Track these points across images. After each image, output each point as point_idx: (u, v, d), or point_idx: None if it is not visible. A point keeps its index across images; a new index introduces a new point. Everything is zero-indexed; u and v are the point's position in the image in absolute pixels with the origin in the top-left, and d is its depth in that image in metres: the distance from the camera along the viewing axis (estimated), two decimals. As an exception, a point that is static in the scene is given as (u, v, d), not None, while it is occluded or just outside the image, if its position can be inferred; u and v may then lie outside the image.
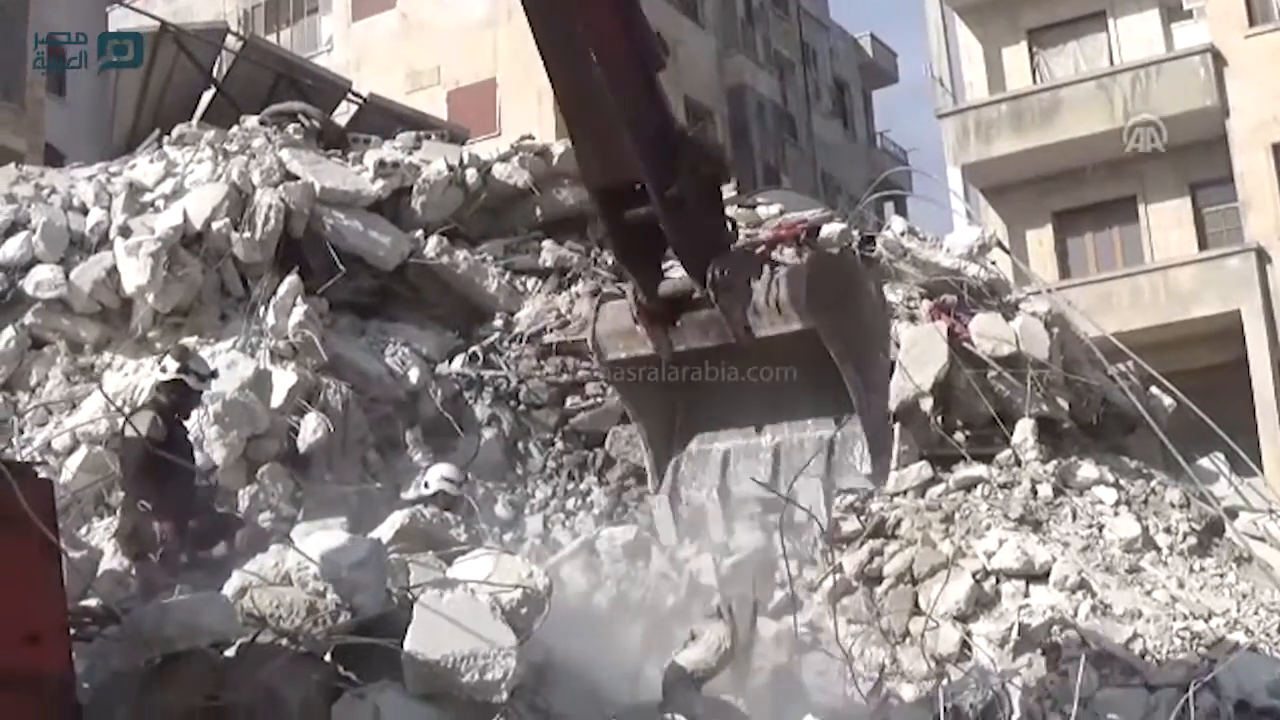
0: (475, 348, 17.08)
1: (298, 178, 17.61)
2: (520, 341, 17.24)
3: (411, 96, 35.03)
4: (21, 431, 15.80)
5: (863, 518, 15.04)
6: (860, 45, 59.19)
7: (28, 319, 16.89)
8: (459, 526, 13.59)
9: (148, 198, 17.97)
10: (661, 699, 9.50)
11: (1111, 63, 35.06)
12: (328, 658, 8.55)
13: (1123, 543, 15.78)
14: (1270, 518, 17.73)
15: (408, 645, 8.26)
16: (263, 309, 16.24)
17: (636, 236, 9.23)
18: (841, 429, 9.14)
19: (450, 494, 13.82)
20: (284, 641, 8.48)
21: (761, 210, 20.54)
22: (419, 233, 18.10)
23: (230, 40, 25.37)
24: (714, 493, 9.54)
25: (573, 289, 17.99)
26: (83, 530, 13.93)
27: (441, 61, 39.64)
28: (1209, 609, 14.78)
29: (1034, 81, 36.10)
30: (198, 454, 13.06)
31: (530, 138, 21.29)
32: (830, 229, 19.68)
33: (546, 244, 18.82)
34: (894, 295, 18.89)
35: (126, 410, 12.59)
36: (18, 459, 13.17)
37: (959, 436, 17.32)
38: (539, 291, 18.12)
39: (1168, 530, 16.45)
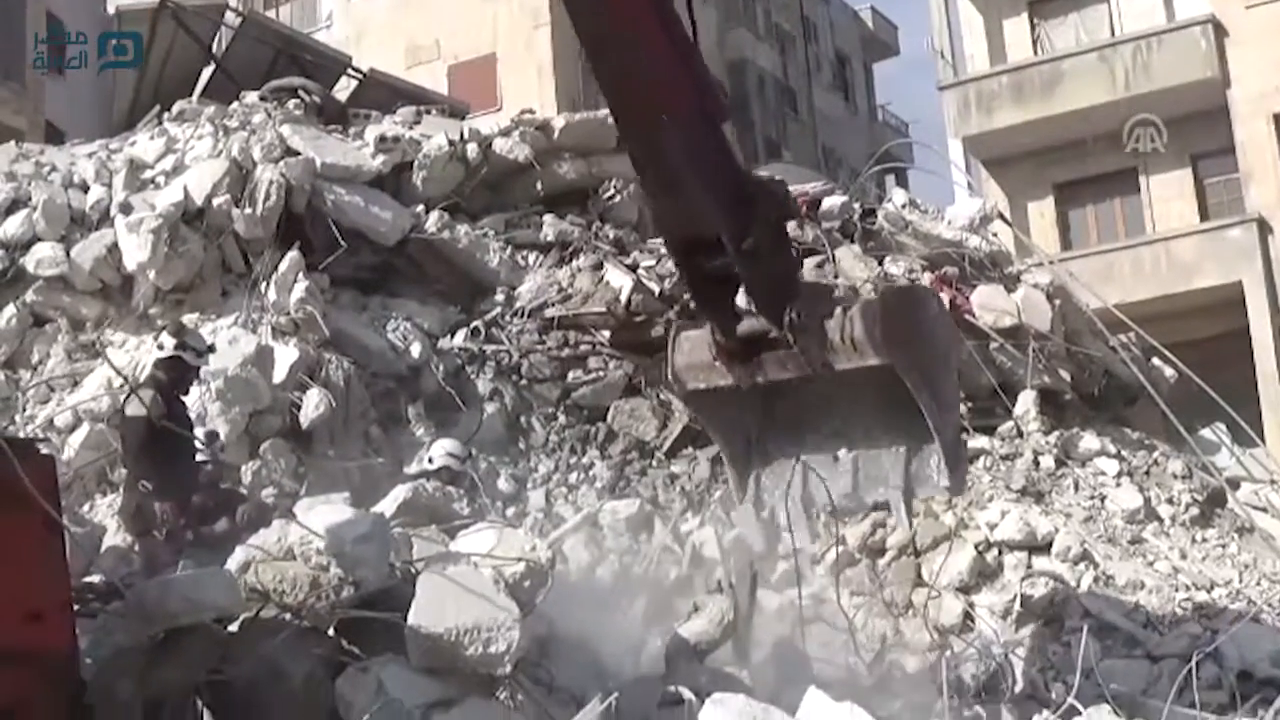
0: (477, 322, 17.06)
1: (298, 153, 17.59)
2: (522, 316, 17.22)
3: (412, 71, 35.01)
4: (23, 409, 15.83)
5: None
6: (861, 18, 59.07)
7: (29, 296, 16.91)
8: (462, 501, 13.61)
9: (148, 174, 17.95)
10: (664, 671, 9.52)
11: (1112, 34, 34.96)
12: (331, 632, 8.56)
13: (1125, 514, 15.79)
14: (1272, 488, 17.76)
15: (411, 619, 8.27)
16: (264, 285, 16.24)
17: (713, 283, 9.63)
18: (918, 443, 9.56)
19: (453, 469, 13.83)
20: (287, 616, 8.49)
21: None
22: (420, 208, 18.08)
23: (230, 16, 25.33)
24: (796, 502, 9.90)
25: (574, 263, 17.97)
26: (85, 507, 13.96)
27: (442, 36, 39.61)
28: (1211, 580, 14.80)
29: (1035, 53, 36.00)
30: (201, 429, 13.05)
31: (531, 112, 21.26)
32: (831, 201, 19.67)
33: (548, 218, 18.79)
34: (895, 268, 18.88)
35: (127, 387, 12.56)
36: (20, 436, 13.17)
37: (961, 408, 17.31)
38: (540, 266, 18.09)
39: (1170, 501, 16.46)
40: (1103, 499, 16.04)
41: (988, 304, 18.48)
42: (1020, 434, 17.04)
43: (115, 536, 12.72)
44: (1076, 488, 16.22)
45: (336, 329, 16.02)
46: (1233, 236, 32.51)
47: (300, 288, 16.04)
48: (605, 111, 19.00)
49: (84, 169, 18.32)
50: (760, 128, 44.70)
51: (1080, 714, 9.23)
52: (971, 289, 18.77)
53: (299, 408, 14.82)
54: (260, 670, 7.95)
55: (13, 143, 21.37)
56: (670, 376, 10.22)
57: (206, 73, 23.78)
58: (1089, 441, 17.28)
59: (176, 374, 11.78)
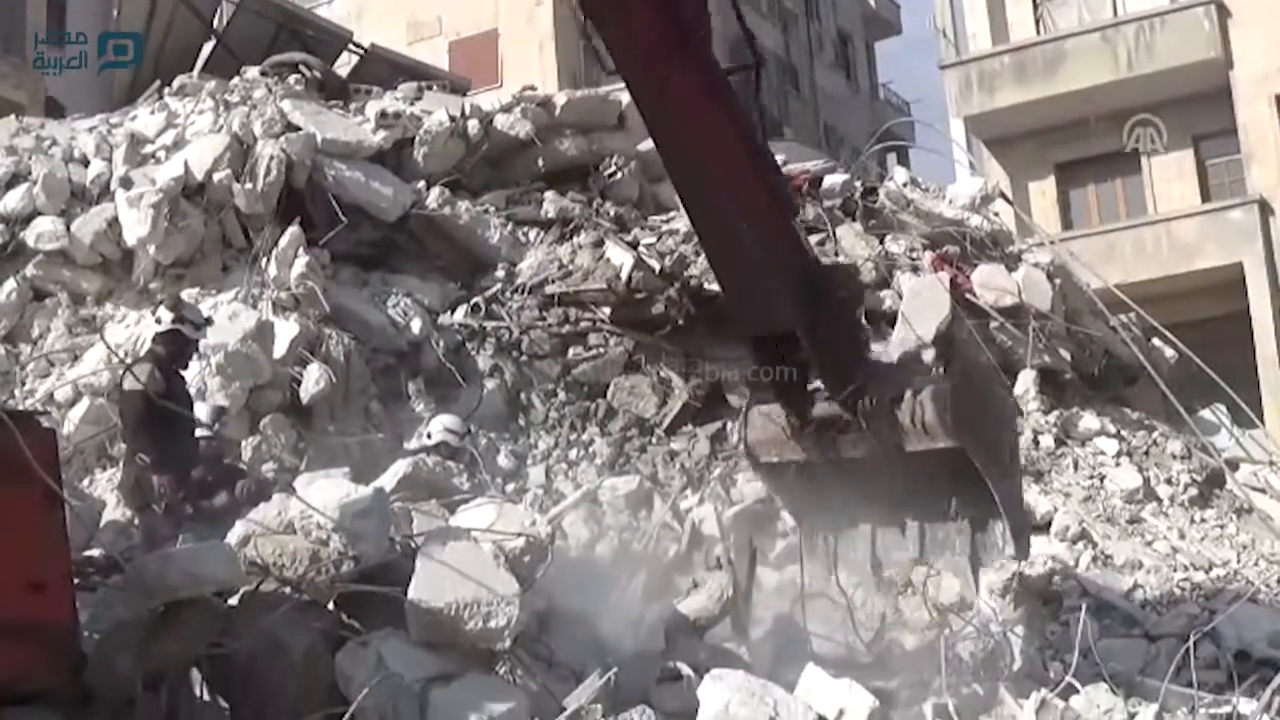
0: (477, 298, 17.05)
1: (299, 129, 17.56)
2: (522, 292, 17.22)
3: (413, 47, 34.95)
4: (23, 383, 15.82)
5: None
6: (863, -4, 59.00)
7: (29, 271, 16.90)
8: (461, 476, 13.62)
9: (149, 149, 17.93)
10: (663, 646, 9.54)
11: (1115, 14, 34.84)
12: (331, 606, 8.59)
13: (1124, 493, 15.82)
14: (1271, 469, 17.80)
15: (411, 593, 8.29)
16: (264, 260, 16.22)
17: (788, 371, 10.22)
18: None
19: (452, 445, 13.83)
20: (287, 590, 8.50)
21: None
22: (421, 184, 18.07)
23: (230, -9, 25.28)
24: (866, 567, 10.36)
25: (575, 240, 17.96)
26: (85, 482, 13.95)
27: (443, 12, 39.56)
28: (1209, 560, 14.84)
29: (1037, 33, 35.88)
30: (203, 405, 13.04)
31: (532, 88, 21.25)
32: (833, 179, 19.66)
33: (548, 195, 18.78)
34: (896, 246, 18.90)
35: (126, 362, 12.55)
36: (21, 409, 13.16)
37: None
38: (541, 242, 18.09)
39: (1169, 481, 16.49)
40: (1102, 479, 16.07)
41: (988, 283, 18.50)
42: (1020, 413, 17.04)
43: (115, 511, 12.72)
44: (1076, 467, 16.26)
45: (337, 305, 16.01)
46: (1234, 218, 32.45)
47: (301, 263, 16.03)
48: (606, 88, 19.10)
49: (84, 143, 18.30)
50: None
51: (1078, 692, 9.25)
52: (972, 268, 18.79)
53: (299, 383, 14.82)
54: (260, 644, 7.96)
55: (13, 117, 21.35)
56: (744, 451, 10.88)
57: (207, 48, 23.79)
58: (1088, 421, 17.31)
59: (175, 348, 11.75)
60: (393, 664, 7.96)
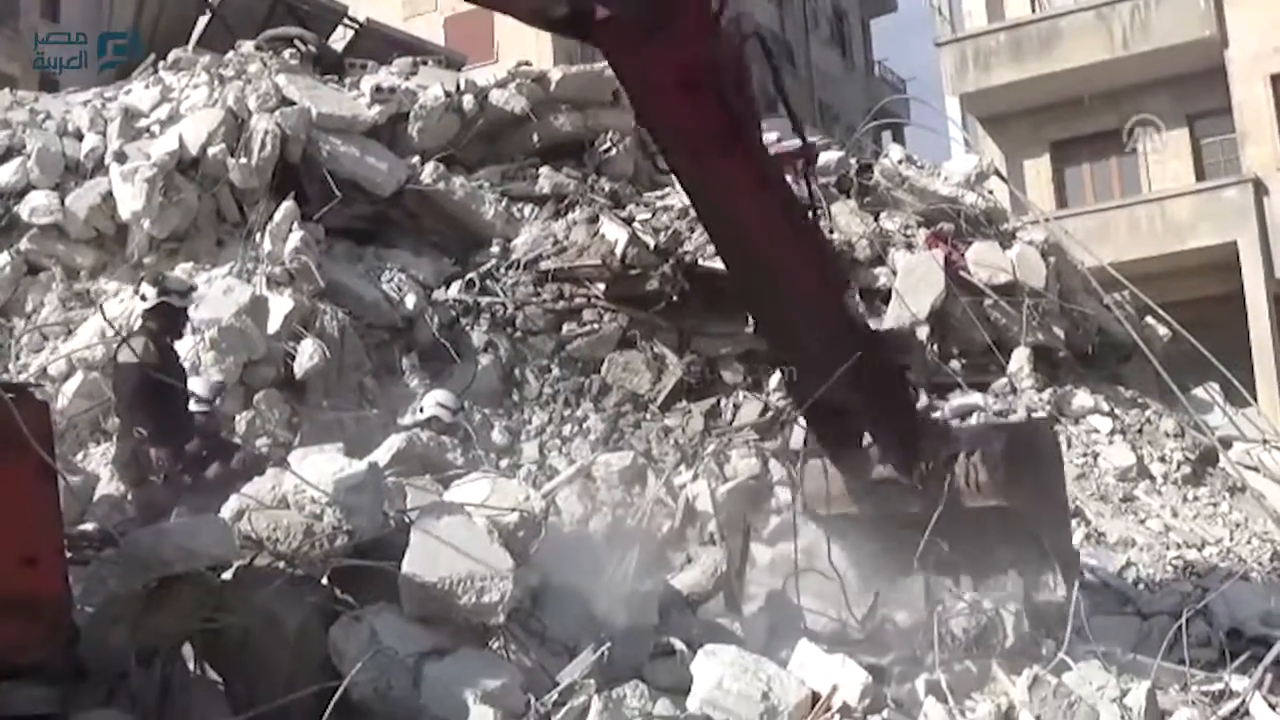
0: (472, 274, 17.04)
1: (294, 103, 17.53)
2: (517, 268, 17.21)
3: (409, 22, 34.92)
4: (17, 357, 15.78)
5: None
6: (859, -27, 58.89)
7: (23, 245, 16.86)
8: (455, 452, 13.62)
9: (143, 123, 17.89)
10: (657, 622, 9.54)
11: (1111, -8, 34.85)
12: (325, 581, 8.58)
13: (1117, 471, 15.85)
14: (1264, 448, 17.80)
15: (405, 568, 8.28)
16: (259, 235, 16.19)
17: (845, 438, 10.70)
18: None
19: (444, 420, 13.83)
20: (281, 565, 8.50)
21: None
22: (415, 159, 18.05)
23: (226, -36, 25.19)
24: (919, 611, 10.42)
25: (570, 216, 17.96)
26: (79, 456, 13.94)
27: (439, -13, 39.45)
28: (1202, 538, 14.87)
29: (1033, 11, 35.85)
30: (201, 380, 13.04)
31: (528, 64, 21.19)
32: (828, 157, 19.64)
33: (543, 170, 18.78)
34: (891, 223, 18.90)
35: (124, 335, 12.52)
36: (14, 381, 13.14)
37: (955, 364, 17.37)
38: (536, 218, 18.09)
39: (1162, 459, 16.52)
40: (1095, 456, 16.10)
41: (983, 260, 18.52)
42: (1014, 390, 17.10)
43: (109, 485, 12.71)
44: (1069, 445, 16.27)
45: (331, 280, 15.98)
46: (1228, 197, 32.46)
47: (295, 238, 16.00)
48: (602, 64, 19.04)
49: (79, 117, 18.24)
50: (756, 83, 44.51)
51: (1071, 669, 9.26)
52: (967, 245, 18.81)
53: (293, 358, 14.79)
54: (254, 618, 7.95)
55: (7, 90, 21.28)
56: (800, 504, 11.11)
57: (202, 21, 23.67)
58: (1082, 399, 17.34)
59: (165, 320, 11.72)
60: (386, 638, 7.96)
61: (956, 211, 19.40)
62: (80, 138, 17.74)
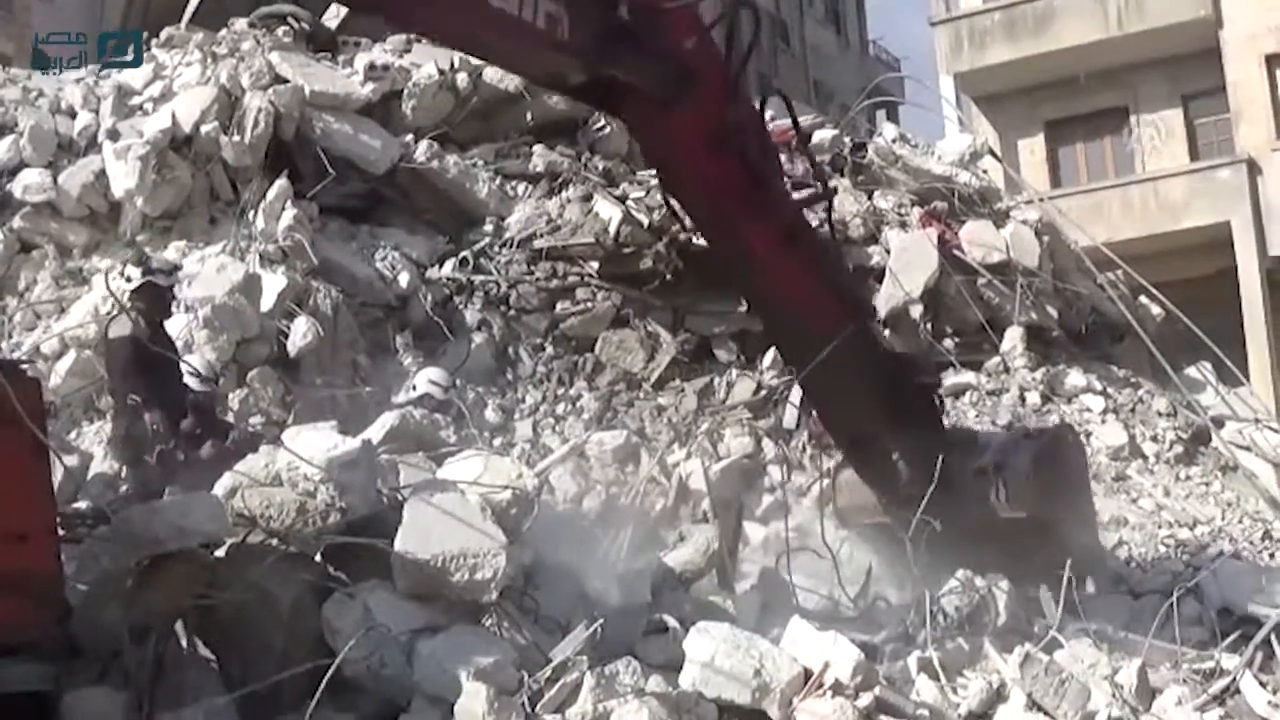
0: (465, 252, 17.03)
1: (287, 81, 17.49)
2: (510, 246, 17.19)
3: None
4: (10, 335, 15.76)
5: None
6: (853, -49, 58.76)
7: (16, 223, 16.82)
8: (449, 429, 13.63)
9: (136, 101, 17.87)
10: (649, 600, 9.55)
11: (1106, -29, 34.82)
12: (318, 558, 8.58)
13: (1109, 450, 15.87)
14: (1256, 427, 17.82)
15: (398, 545, 8.28)
16: (252, 213, 16.17)
17: (876, 459, 10.90)
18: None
19: (437, 397, 13.83)
20: (274, 542, 8.52)
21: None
22: (409, 137, 18.02)
23: (219, -59, 25.10)
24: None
25: (563, 194, 17.93)
26: (72, 435, 13.94)
27: (432, -35, 39.27)
28: (1194, 517, 14.90)
29: (1028, -11, 35.86)
30: (198, 357, 13.05)
31: (521, 42, 21.11)
32: (822, 135, 19.64)
33: (537, 149, 18.75)
34: (884, 202, 18.89)
35: (111, 313, 12.52)
36: (6, 359, 13.13)
37: (948, 343, 17.39)
38: (529, 196, 18.05)
39: (1154, 439, 16.54)
40: (1088, 435, 16.08)
41: (976, 239, 18.52)
42: (1007, 369, 17.11)
43: (103, 464, 12.72)
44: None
45: (324, 258, 15.96)
46: (1222, 177, 32.51)
47: (288, 216, 15.98)
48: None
49: (72, 95, 18.21)
50: (751, 61, 44.43)
51: (1062, 647, 9.27)
52: (960, 224, 18.80)
53: (287, 336, 14.77)
54: (247, 595, 7.97)
55: (1, 68, 21.22)
56: (834, 516, 11.25)
57: (195, -1, 23.62)
58: (1075, 378, 17.36)
59: (151, 300, 11.72)
60: (379, 615, 7.96)
61: (950, 190, 19.37)
62: (73, 115, 17.72)
